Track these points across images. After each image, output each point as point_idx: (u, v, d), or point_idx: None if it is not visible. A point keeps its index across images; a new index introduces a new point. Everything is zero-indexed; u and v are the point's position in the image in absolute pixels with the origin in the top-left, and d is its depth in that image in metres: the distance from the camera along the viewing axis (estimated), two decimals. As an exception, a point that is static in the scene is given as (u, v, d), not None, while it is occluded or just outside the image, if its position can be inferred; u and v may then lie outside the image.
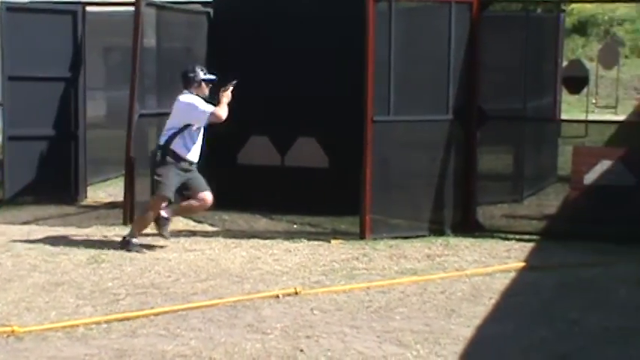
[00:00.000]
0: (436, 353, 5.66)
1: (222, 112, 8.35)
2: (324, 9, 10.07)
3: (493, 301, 6.90)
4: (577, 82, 17.53)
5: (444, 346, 5.80)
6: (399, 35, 8.97)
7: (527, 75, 10.37)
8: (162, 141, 8.52)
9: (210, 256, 8.26)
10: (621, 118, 16.12)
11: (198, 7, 10.79)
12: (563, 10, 13.28)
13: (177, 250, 8.46)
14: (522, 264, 8.04)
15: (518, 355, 5.66)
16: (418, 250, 8.62)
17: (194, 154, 8.51)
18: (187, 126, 8.43)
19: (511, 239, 9.07)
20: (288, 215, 9.95)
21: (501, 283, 7.42)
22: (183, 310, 6.51)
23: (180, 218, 9.44)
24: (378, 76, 8.89)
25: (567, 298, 6.92)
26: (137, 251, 8.33)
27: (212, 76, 8.52)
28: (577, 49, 28.66)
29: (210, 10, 10.67)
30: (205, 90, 8.51)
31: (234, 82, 8.48)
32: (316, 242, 8.89)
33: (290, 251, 8.55)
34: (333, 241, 8.92)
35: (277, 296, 6.90)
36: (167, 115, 8.65)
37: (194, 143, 8.47)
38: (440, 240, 9.00)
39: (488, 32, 9.52)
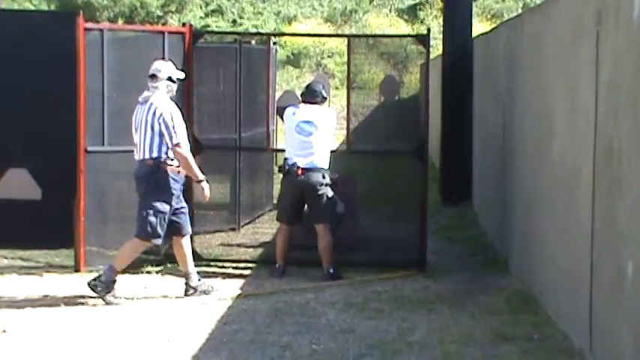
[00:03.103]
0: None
1: None
2: (32, 37, 9.78)
3: (209, 329, 6.96)
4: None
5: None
6: (112, 65, 8.89)
7: (242, 105, 10.58)
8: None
9: None
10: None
11: None
12: (275, 43, 13.68)
13: None
14: (238, 292, 8.17)
15: (231, 383, 5.75)
16: (134, 281, 8.53)
17: None
18: None
19: (228, 267, 9.20)
20: (-3, 250, 9.54)
21: (217, 311, 7.50)
22: None
23: None
24: (91, 106, 8.77)
25: (280, 324, 7.10)
26: None
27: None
28: (291, 80, 29.63)
29: None
30: None
31: None
32: (27, 276, 8.60)
33: (-3, 287, 8.22)
34: (45, 275, 8.66)
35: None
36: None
37: None
38: (156, 270, 8.95)
39: (201, 63, 9.64)
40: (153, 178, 7.79)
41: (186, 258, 8.05)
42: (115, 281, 7.77)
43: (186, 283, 8.01)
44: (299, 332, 6.85)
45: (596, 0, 5.91)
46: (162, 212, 7.79)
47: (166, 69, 7.98)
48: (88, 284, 7.76)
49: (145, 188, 7.82)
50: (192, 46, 9.32)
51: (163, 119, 7.75)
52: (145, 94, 7.95)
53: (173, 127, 7.75)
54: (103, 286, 7.72)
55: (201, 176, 7.99)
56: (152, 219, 7.76)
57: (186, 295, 7.96)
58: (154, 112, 7.79)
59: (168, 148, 7.78)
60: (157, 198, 7.78)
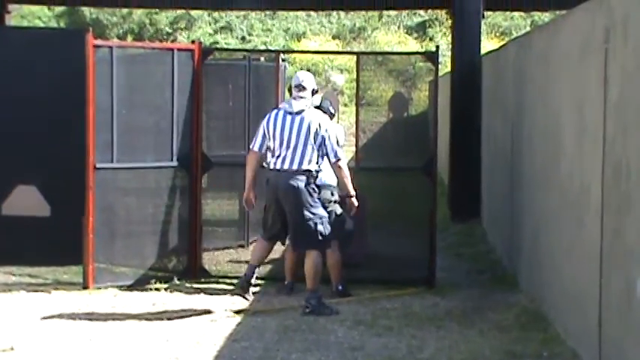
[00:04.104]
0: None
1: None
2: (41, 54, 9.81)
3: (218, 347, 6.95)
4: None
5: (166, 395, 5.77)
6: (121, 81, 8.92)
7: (250, 122, 10.58)
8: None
9: None
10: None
11: None
12: (284, 60, 13.70)
13: None
14: (246, 309, 8.16)
15: (239, 400, 5.73)
16: (142, 297, 8.54)
17: None
18: None
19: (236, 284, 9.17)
20: (5, 266, 9.52)
21: (226, 328, 7.48)
22: None
23: None
24: (100, 122, 8.79)
25: (288, 341, 7.08)
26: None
27: None
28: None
29: None
30: None
31: None
32: (36, 293, 8.60)
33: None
34: (54, 292, 8.67)
35: (-8, 352, 6.62)
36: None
37: None
38: (165, 287, 8.95)
39: (210, 80, 9.67)
40: (308, 189, 7.97)
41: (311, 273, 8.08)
42: (319, 296, 8.01)
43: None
44: (308, 349, 6.84)
45: (604, 17, 5.91)
46: (324, 217, 8.04)
47: (311, 81, 8.16)
48: (306, 312, 7.91)
49: (300, 199, 7.95)
50: (201, 63, 9.36)
51: (328, 134, 7.97)
52: (295, 104, 8.08)
53: (337, 142, 8.02)
54: (317, 306, 7.93)
55: (352, 192, 8.19)
56: (321, 228, 7.99)
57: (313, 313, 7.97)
58: (318, 126, 7.97)
59: (321, 160, 7.98)
60: (316, 206, 8.00)
